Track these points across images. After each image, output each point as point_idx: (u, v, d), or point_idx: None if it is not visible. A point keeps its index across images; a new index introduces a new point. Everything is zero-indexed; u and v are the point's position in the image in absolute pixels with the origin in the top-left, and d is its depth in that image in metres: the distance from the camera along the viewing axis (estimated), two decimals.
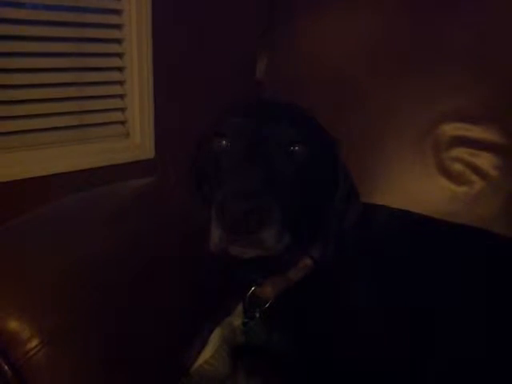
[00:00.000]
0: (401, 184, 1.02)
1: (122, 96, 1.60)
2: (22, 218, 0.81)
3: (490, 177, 0.96)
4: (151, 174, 1.12)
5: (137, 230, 0.86)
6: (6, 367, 0.61)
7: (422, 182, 1.00)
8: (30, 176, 1.39)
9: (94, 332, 0.69)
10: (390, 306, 0.72)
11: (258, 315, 0.77)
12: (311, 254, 0.74)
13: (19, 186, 1.37)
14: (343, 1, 1.15)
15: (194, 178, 0.75)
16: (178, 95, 1.69)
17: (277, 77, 1.20)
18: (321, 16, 1.16)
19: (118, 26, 1.54)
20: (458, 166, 0.98)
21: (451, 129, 0.98)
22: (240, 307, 0.84)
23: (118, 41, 1.56)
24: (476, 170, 0.97)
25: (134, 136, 1.64)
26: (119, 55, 1.56)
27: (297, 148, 0.66)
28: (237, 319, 0.89)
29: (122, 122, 1.63)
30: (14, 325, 0.63)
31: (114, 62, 1.57)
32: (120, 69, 1.58)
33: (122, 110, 1.61)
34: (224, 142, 0.68)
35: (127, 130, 1.63)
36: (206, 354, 0.86)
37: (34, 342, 0.62)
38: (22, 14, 1.34)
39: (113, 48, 1.56)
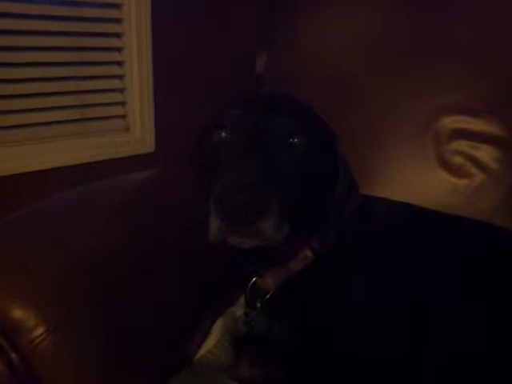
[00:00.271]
0: (401, 177, 1.03)
1: (122, 90, 1.60)
2: (22, 212, 0.82)
3: (490, 169, 0.96)
4: (151, 168, 1.12)
5: (137, 223, 0.86)
6: (14, 354, 0.63)
7: (423, 175, 1.01)
8: (29, 170, 1.39)
9: (96, 322, 0.70)
10: (389, 298, 0.73)
11: (259, 305, 0.77)
12: (311, 246, 0.75)
13: (19, 180, 1.37)
14: None
15: (195, 171, 0.76)
16: (178, 89, 1.69)
17: (276, 74, 1.20)
18: (320, 13, 1.16)
19: (117, 20, 1.54)
20: (458, 159, 0.98)
21: (451, 122, 0.99)
22: (242, 298, 0.84)
23: (118, 35, 1.55)
24: (476, 162, 0.97)
25: (134, 130, 1.64)
26: (119, 49, 1.56)
27: (296, 140, 0.67)
28: (239, 310, 0.90)
29: (123, 116, 1.63)
30: (18, 313, 0.64)
31: (114, 56, 1.56)
32: (120, 63, 1.57)
33: (123, 104, 1.61)
34: (223, 133, 0.68)
35: (127, 124, 1.63)
36: (209, 343, 0.87)
37: (40, 330, 0.64)
38: (22, 8, 1.34)
39: (113, 42, 1.56)
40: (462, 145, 0.98)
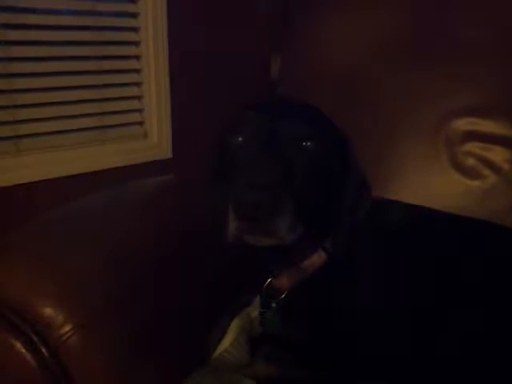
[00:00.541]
0: (414, 179, 1.03)
1: (139, 97, 1.63)
2: (51, 213, 0.85)
3: (502, 171, 0.96)
4: (168, 174, 1.15)
5: (159, 226, 0.89)
6: (44, 349, 0.67)
7: (436, 177, 1.01)
8: (48, 177, 1.40)
9: (122, 320, 0.73)
10: (402, 300, 0.74)
11: (274, 306, 0.79)
12: (325, 247, 0.77)
13: (39, 188, 1.38)
14: None
15: (212, 175, 0.78)
16: (195, 96, 1.72)
17: (290, 77, 1.21)
18: (334, 16, 1.18)
19: (134, 29, 1.58)
20: (470, 161, 0.99)
21: (463, 123, 0.99)
22: (257, 299, 0.86)
23: (135, 43, 1.59)
24: (489, 164, 0.97)
25: (151, 136, 1.67)
26: (136, 57, 1.60)
27: (309, 143, 0.69)
28: (254, 310, 0.91)
29: (140, 123, 1.66)
30: (49, 311, 0.68)
31: (132, 64, 1.60)
32: (138, 71, 1.61)
33: (140, 111, 1.64)
34: (239, 138, 0.71)
35: (145, 130, 1.66)
36: (226, 343, 0.88)
37: (68, 327, 0.67)
38: (43, 19, 1.39)
39: (130, 50, 1.59)
40: (474, 146, 0.99)
